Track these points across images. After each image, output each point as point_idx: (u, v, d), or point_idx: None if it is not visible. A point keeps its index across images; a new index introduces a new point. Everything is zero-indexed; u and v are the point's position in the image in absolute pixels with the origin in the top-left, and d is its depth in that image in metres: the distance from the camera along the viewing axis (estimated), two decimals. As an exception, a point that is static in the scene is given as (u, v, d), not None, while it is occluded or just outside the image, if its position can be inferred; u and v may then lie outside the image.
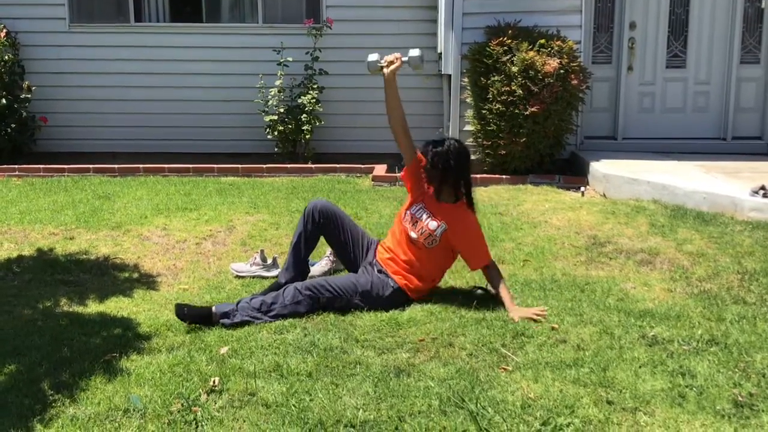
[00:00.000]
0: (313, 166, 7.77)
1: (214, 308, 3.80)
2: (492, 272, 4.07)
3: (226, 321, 3.75)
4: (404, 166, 4.22)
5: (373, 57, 4.20)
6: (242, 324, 3.74)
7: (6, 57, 7.96)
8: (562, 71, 6.77)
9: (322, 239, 4.35)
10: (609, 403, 2.94)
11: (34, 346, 3.52)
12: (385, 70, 4.14)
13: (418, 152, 4.15)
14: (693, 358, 3.33)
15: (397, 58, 4.14)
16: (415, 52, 4.18)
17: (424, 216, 4.05)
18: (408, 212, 4.12)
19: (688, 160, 7.11)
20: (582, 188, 6.78)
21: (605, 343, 3.49)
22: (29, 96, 8.13)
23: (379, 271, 4.07)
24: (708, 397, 2.98)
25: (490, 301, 4.02)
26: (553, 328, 3.64)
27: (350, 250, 4.29)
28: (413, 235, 4.05)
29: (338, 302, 3.92)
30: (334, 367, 3.26)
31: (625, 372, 3.19)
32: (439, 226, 4.02)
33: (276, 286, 4.16)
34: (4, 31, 8.02)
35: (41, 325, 3.79)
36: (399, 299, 4.01)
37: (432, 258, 4.07)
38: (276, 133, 8.02)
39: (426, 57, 4.34)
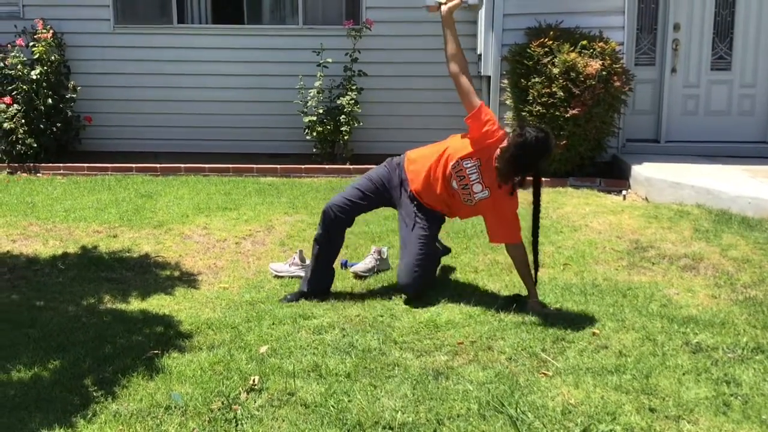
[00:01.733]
0: (351, 166, 7.79)
1: None
2: (518, 253, 4.01)
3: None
4: (469, 114, 3.98)
5: None
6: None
7: (52, 57, 8.11)
8: (604, 73, 6.69)
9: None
10: (651, 410, 2.89)
11: (78, 342, 3.58)
12: (443, 8, 4.04)
13: (481, 101, 3.97)
14: (738, 366, 3.26)
15: None
16: None
17: (474, 176, 3.96)
18: (461, 161, 3.96)
19: (732, 164, 6.97)
20: (623, 192, 6.69)
21: (648, 350, 3.43)
22: (74, 96, 8.28)
23: (419, 208, 4.13)
24: (753, 406, 2.92)
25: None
26: (594, 334, 3.59)
27: (388, 200, 4.27)
28: (454, 184, 4.02)
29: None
30: (372, 368, 3.26)
31: (668, 379, 3.14)
32: (482, 191, 3.97)
33: (298, 295, 4.18)
34: (51, 32, 8.17)
35: (85, 322, 3.86)
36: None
37: (461, 208, 4.13)
38: (315, 133, 8.06)
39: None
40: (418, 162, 4.17)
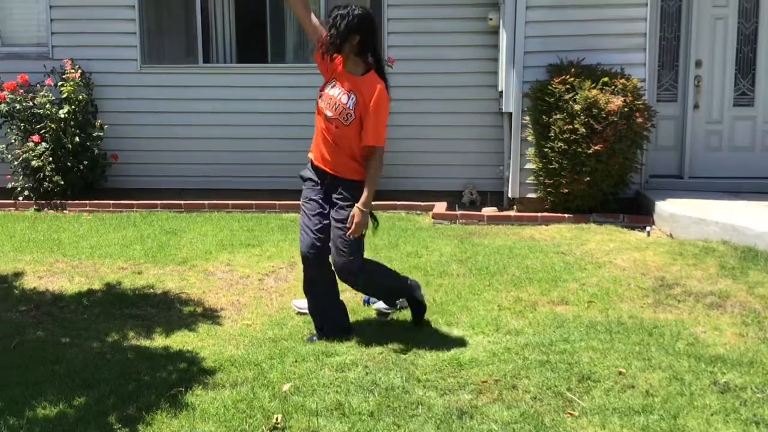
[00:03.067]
0: (374, 202, 7.79)
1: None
2: (374, 157, 4.02)
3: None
4: (316, 51, 4.10)
5: None
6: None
7: (80, 96, 8.27)
8: (626, 109, 6.70)
9: None
10: (680, 452, 2.84)
11: (103, 379, 3.60)
12: None
13: (323, 32, 4.05)
14: (767, 406, 3.20)
15: None
16: None
17: (337, 92, 4.00)
18: (322, 93, 4.06)
19: (757, 200, 6.91)
20: (647, 228, 6.64)
21: (675, 390, 3.39)
22: (101, 134, 8.41)
23: (330, 185, 4.08)
24: (786, 449, 2.86)
25: (554, 343, 3.95)
26: (620, 373, 3.55)
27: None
28: (329, 113, 4.01)
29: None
30: (395, 407, 3.24)
31: (696, 420, 3.09)
32: (349, 98, 3.96)
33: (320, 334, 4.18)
34: (79, 71, 8.34)
35: (110, 359, 3.88)
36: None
37: (355, 135, 4.00)
38: (337, 170, 8.09)
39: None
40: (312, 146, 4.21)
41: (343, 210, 4.03)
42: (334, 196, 4.08)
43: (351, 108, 3.96)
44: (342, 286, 4.20)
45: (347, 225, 3.98)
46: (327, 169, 4.08)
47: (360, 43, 3.96)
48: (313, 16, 4.13)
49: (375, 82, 3.99)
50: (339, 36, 3.92)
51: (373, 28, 4.01)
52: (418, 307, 4.34)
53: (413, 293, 4.31)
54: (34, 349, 4.06)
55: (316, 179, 4.16)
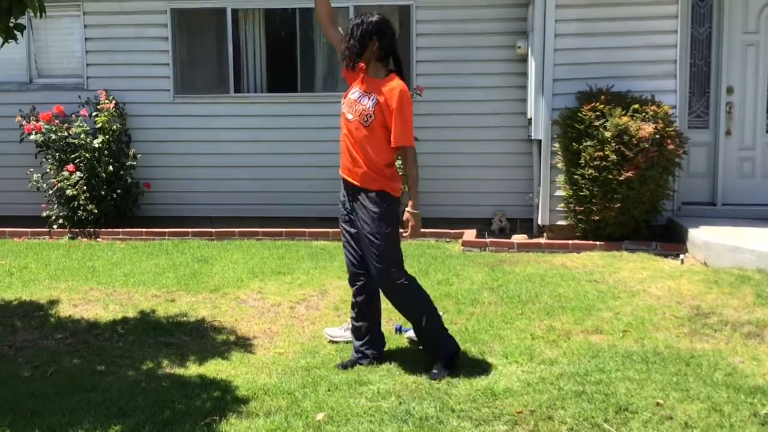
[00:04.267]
0: (402, 230, 7.80)
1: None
2: (407, 159, 4.05)
3: None
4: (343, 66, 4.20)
5: None
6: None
7: (114, 126, 8.42)
8: (657, 136, 6.66)
9: None
10: (723, 486, 2.78)
11: (138, 407, 3.62)
12: None
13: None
14: (812, 440, 3.13)
15: None
16: None
17: (357, 95, 4.06)
18: (346, 99, 4.13)
19: (793, 227, 6.81)
20: (681, 256, 6.57)
21: (714, 421, 3.33)
22: (134, 163, 8.54)
23: (353, 195, 4.13)
24: (832, 484, 2.79)
25: (589, 373, 3.90)
26: (658, 404, 3.50)
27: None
28: (350, 116, 4.06)
29: (398, 245, 4.15)
30: (430, 437, 3.22)
31: (738, 453, 3.03)
32: (369, 99, 4.01)
33: (353, 361, 4.19)
34: (113, 102, 8.50)
35: (145, 387, 3.91)
36: (389, 202, 4.08)
37: (375, 138, 4.01)
38: (366, 198, 8.13)
39: None
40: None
41: (367, 224, 4.06)
42: (358, 209, 4.11)
43: (370, 108, 4.01)
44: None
45: (380, 234, 4.03)
46: (349, 179, 4.13)
47: (379, 48, 4.05)
48: (338, 28, 4.29)
49: (395, 83, 4.03)
50: (357, 43, 4.03)
51: (389, 32, 4.10)
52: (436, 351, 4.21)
53: (441, 338, 4.22)
54: (70, 376, 4.10)
55: (343, 198, 4.23)
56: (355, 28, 4.05)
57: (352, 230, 4.19)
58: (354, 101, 4.08)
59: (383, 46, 4.05)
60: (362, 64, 4.08)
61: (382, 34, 4.04)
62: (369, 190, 4.07)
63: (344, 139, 4.14)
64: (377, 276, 4.08)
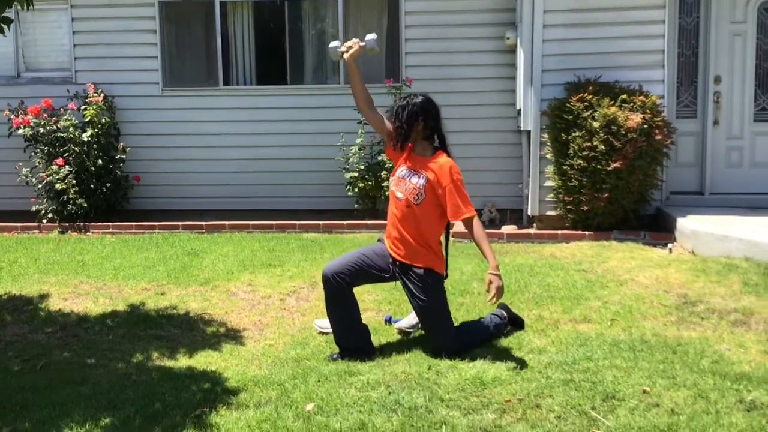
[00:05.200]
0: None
1: None
2: (472, 227, 4.10)
3: None
4: (387, 145, 4.33)
5: (334, 44, 4.44)
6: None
7: (103, 120, 8.39)
8: (645, 126, 6.69)
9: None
10: (708, 471, 2.82)
11: (128, 399, 3.63)
12: (345, 56, 4.32)
13: (389, 125, 4.27)
14: (796, 425, 3.17)
15: (355, 43, 4.33)
16: (371, 36, 4.36)
17: (406, 174, 4.14)
18: (394, 177, 4.21)
19: (780, 216, 6.86)
20: (669, 245, 6.61)
21: (700, 408, 3.36)
22: (123, 156, 8.52)
23: (403, 271, 4.17)
24: (815, 468, 2.83)
25: (577, 362, 3.93)
26: (645, 391, 3.53)
27: (382, 275, 4.27)
28: (399, 195, 4.13)
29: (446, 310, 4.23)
30: (419, 426, 3.24)
31: (723, 439, 3.06)
32: (419, 178, 4.09)
33: (343, 353, 4.19)
34: (102, 95, 8.47)
35: (135, 379, 3.92)
36: (440, 277, 4.19)
37: (425, 216, 4.10)
38: (356, 189, 8.15)
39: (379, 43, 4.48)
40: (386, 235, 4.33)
41: (419, 297, 4.13)
42: (409, 282, 4.18)
43: (421, 188, 4.10)
44: (362, 305, 4.22)
45: (432, 309, 4.14)
46: (398, 257, 4.19)
47: (425, 128, 4.15)
48: (377, 111, 4.34)
49: (442, 159, 4.14)
50: (404, 125, 4.13)
51: (434, 112, 4.21)
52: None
53: (501, 330, 4.45)
54: (60, 370, 4.10)
55: (390, 262, 4.24)
56: (401, 110, 4.15)
57: (385, 275, 4.24)
58: (402, 179, 4.16)
59: (429, 126, 4.17)
60: (410, 145, 4.18)
61: (427, 115, 4.16)
62: (415, 266, 4.14)
63: (393, 216, 4.21)
64: (441, 344, 4.13)
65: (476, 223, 4.11)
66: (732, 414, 3.29)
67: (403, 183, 4.15)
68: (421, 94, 4.24)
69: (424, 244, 4.14)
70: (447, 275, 4.28)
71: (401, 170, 4.20)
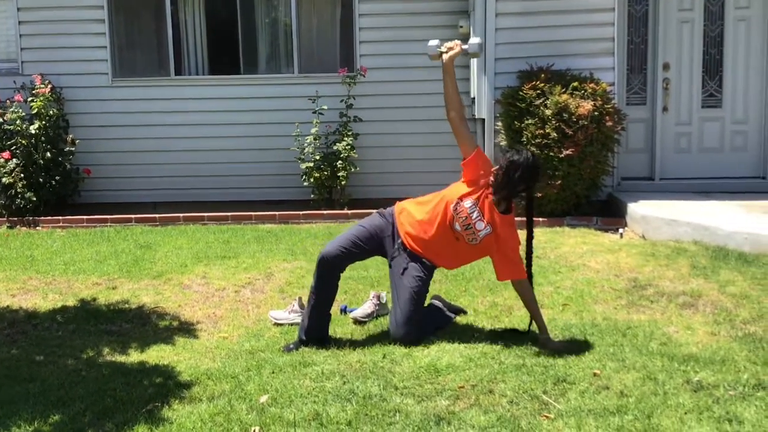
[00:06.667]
0: (349, 212, 7.83)
1: None
2: (525, 289, 4.09)
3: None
4: (464, 158, 4.18)
5: (433, 42, 4.29)
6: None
7: (51, 112, 8.21)
8: (596, 113, 6.78)
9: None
10: (654, 451, 2.88)
11: (78, 396, 3.57)
12: (444, 56, 4.21)
13: (477, 147, 4.19)
14: (740, 403, 3.25)
15: (456, 44, 4.22)
16: (475, 40, 4.28)
17: (475, 214, 4.04)
18: (460, 203, 4.07)
19: (728, 200, 7.02)
20: (620, 230, 6.72)
21: (649, 389, 3.43)
22: (73, 149, 8.35)
23: (410, 255, 4.16)
24: (757, 445, 2.91)
25: (529, 346, 3.98)
26: (595, 374, 3.59)
27: (380, 249, 4.28)
28: (457, 227, 4.06)
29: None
30: (373, 415, 3.25)
31: (670, 419, 3.13)
32: (485, 227, 4.03)
33: (299, 343, 4.18)
34: (50, 86, 8.28)
35: (85, 375, 3.85)
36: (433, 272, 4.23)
37: (464, 252, 4.15)
38: (312, 180, 8.12)
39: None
40: (409, 211, 4.24)
41: (416, 279, 4.11)
42: (411, 266, 4.15)
43: (482, 236, 4.04)
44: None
45: (418, 295, 4.13)
46: (411, 247, 4.15)
47: (521, 192, 4.07)
48: (468, 126, 4.27)
49: (512, 230, 4.08)
50: (508, 185, 3.98)
51: (536, 181, 4.12)
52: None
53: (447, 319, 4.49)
54: (7, 368, 4.01)
55: (397, 243, 4.21)
56: (513, 166, 3.95)
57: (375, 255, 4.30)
58: (468, 216, 4.04)
59: (524, 191, 4.08)
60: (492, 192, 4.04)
61: (531, 182, 4.05)
62: (425, 259, 4.15)
63: (437, 229, 4.09)
64: (398, 326, 4.09)
65: (525, 286, 4.11)
66: (679, 395, 3.36)
67: (467, 219, 4.03)
68: (532, 156, 4.03)
69: (450, 260, 4.21)
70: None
71: (472, 207, 4.04)
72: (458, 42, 4.24)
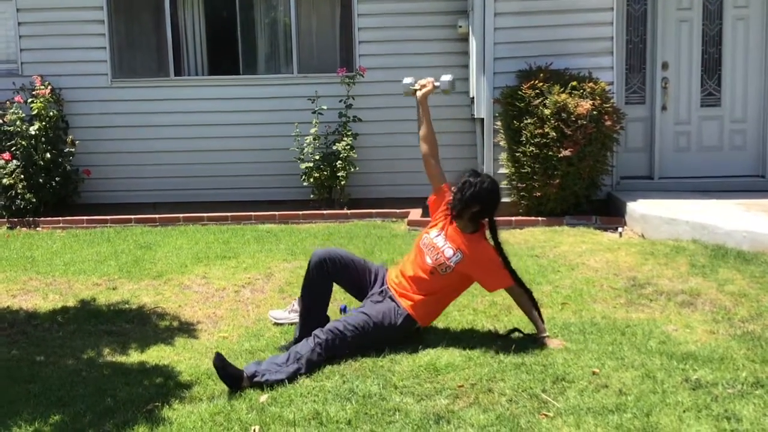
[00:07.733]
0: (348, 211, 7.84)
1: (244, 371, 3.63)
2: (515, 293, 4.10)
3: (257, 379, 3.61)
4: (432, 194, 4.29)
5: (407, 80, 4.44)
6: (276, 382, 3.61)
7: (51, 113, 8.22)
8: (595, 112, 6.79)
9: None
10: (653, 449, 2.89)
11: (79, 396, 3.58)
12: (418, 93, 4.34)
13: (445, 183, 4.25)
14: (738, 401, 3.26)
15: (429, 82, 4.35)
16: (446, 77, 4.42)
17: (441, 242, 4.09)
18: (427, 236, 4.16)
19: (726, 199, 7.03)
20: (619, 229, 6.73)
21: (648, 388, 3.43)
22: (73, 150, 8.37)
23: (390, 298, 4.09)
24: (755, 442, 2.91)
25: (528, 344, 3.99)
26: (594, 373, 3.60)
27: (364, 286, 4.26)
28: (429, 261, 4.09)
29: (358, 339, 3.89)
30: (373, 414, 3.26)
31: (669, 417, 3.13)
32: (454, 254, 4.05)
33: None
34: (49, 88, 8.30)
35: (85, 376, 3.86)
36: (410, 326, 4.05)
37: (445, 284, 4.10)
38: (311, 180, 8.13)
39: (456, 84, 4.60)
40: (395, 269, 4.27)
41: (371, 310, 4.01)
42: (382, 303, 4.09)
43: (453, 264, 4.04)
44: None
45: (359, 324, 3.95)
46: (394, 291, 4.11)
47: (478, 213, 4.07)
48: (439, 163, 4.32)
49: (483, 244, 4.10)
50: (461, 203, 4.03)
51: (494, 203, 4.12)
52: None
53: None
54: (8, 368, 4.02)
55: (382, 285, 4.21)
56: (467, 187, 4.02)
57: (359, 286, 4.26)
58: (435, 247, 4.07)
59: (483, 213, 4.09)
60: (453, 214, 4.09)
61: (486, 205, 4.06)
62: (399, 303, 4.06)
63: (412, 268, 4.11)
64: (305, 340, 3.87)
65: (516, 291, 4.11)
66: (678, 393, 3.37)
67: (435, 250, 4.07)
68: (489, 179, 4.10)
69: (429, 300, 4.10)
70: (419, 330, 4.13)
71: (438, 237, 4.10)
72: (431, 79, 4.39)
